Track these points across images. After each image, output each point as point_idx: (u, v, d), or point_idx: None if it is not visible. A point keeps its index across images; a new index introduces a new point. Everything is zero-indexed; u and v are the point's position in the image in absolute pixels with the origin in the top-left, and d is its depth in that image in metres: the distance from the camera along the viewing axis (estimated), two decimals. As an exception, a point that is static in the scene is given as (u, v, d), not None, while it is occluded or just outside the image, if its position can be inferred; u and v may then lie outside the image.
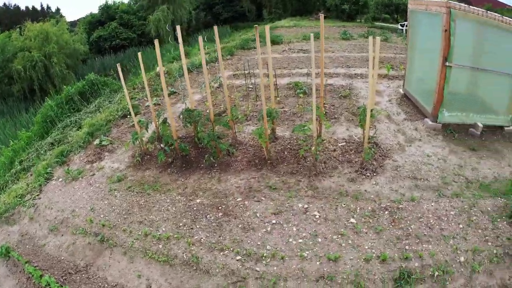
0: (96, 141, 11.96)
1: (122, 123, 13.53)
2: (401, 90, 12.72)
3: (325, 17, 30.16)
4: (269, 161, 9.21)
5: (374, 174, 8.41)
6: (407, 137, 9.86)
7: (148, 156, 10.42)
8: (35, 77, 31.89)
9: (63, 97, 17.43)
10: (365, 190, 7.92)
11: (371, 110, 8.10)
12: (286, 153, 9.52)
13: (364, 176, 8.37)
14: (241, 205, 7.88)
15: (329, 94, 13.21)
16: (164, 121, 10.31)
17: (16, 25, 38.32)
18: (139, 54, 10.62)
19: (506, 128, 9.90)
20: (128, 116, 13.69)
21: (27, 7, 64.86)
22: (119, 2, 50.39)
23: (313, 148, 8.56)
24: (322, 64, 9.58)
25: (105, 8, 48.28)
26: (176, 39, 39.63)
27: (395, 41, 24.08)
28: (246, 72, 15.44)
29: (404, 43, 21.86)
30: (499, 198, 7.43)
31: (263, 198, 8.00)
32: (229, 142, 10.32)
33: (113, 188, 9.40)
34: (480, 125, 9.68)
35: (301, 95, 13.29)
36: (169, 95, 12.83)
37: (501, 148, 9.30)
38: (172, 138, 9.69)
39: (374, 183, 8.13)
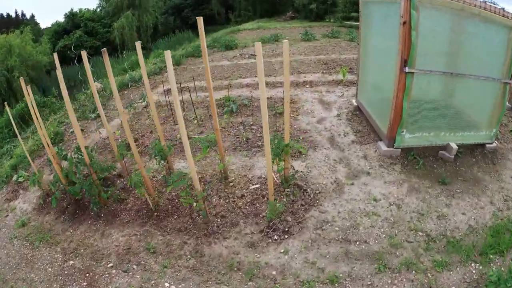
0: (15, 177, 10.27)
1: (45, 154, 11.17)
2: (354, 101, 10.01)
3: (293, 18, 27.31)
4: (155, 213, 6.91)
5: (286, 236, 5.88)
6: (351, 170, 7.22)
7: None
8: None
9: (3, 120, 16.36)
10: (266, 263, 5.58)
11: (286, 146, 5.43)
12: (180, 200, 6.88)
13: (270, 240, 5.82)
14: (107, 275, 6.10)
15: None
16: (65, 157, 8.38)
17: (-8, 32, 35.92)
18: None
19: (488, 145, 7.49)
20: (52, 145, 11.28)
21: (1, 15, 61.67)
22: (84, 9, 47.65)
23: (195, 204, 6.15)
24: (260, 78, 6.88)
25: (70, 16, 45.95)
26: (144, 47, 37.86)
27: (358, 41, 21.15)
28: (180, 86, 12.90)
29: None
30: (472, 264, 5.24)
31: (134, 267, 6.12)
32: (123, 183, 8.21)
33: (15, 235, 7.90)
34: (455, 146, 7.16)
35: (225, 115, 10.66)
36: (96, 117, 12.24)
37: (481, 175, 7.01)
38: (61, 179, 7.73)
39: (282, 250, 5.72)
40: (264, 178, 7.29)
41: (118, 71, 21.74)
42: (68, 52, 41.42)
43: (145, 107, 13.18)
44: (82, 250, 6.78)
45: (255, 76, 13.98)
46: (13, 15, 63.39)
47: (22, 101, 17.06)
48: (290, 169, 6.98)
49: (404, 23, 6.13)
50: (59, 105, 16.82)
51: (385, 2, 7.53)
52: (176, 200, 7.18)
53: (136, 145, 9.84)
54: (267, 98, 11.23)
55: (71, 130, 12.43)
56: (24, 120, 16.16)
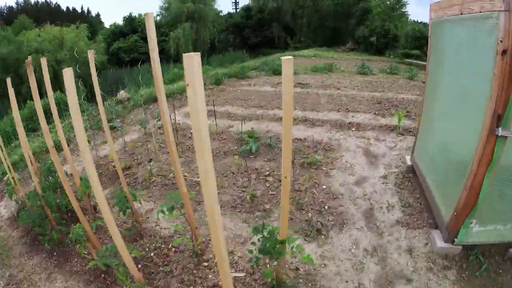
0: (5, 177, 9.23)
1: (41, 160, 9.80)
2: (408, 159, 7.45)
3: (352, 49, 24.80)
4: (103, 275, 5.18)
5: None
6: (386, 271, 4.76)
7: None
8: (43, 81, 28.64)
9: (25, 113, 15.90)
10: None
11: (282, 243, 3.32)
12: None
13: None
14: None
15: (292, 156, 8.33)
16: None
17: (54, 23, 37.65)
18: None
19: None
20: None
21: (67, 8, 62.47)
22: (144, 15, 46.33)
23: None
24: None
25: (128, 20, 45.93)
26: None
27: (422, 80, 18.27)
28: (214, 109, 10.72)
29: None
30: None
31: None
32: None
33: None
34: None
35: (237, 157, 8.50)
36: (112, 129, 11.40)
37: None
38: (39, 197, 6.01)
39: None
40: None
41: (164, 80, 20.45)
42: (122, 54, 41.69)
43: (159, 127, 11.43)
44: (25, 286, 5.44)
45: (296, 109, 11.81)
46: (79, 10, 64.19)
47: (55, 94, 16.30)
48: (288, 269, 4.73)
49: (504, 52, 3.43)
50: (84, 108, 15.20)
51: (468, 19, 4.46)
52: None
53: (126, 175, 8.35)
54: (300, 139, 9.15)
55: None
56: (50, 115, 14.80)
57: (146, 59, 24.51)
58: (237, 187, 7.23)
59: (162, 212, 4.27)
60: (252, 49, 44.97)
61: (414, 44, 30.00)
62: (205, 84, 16.97)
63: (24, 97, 29.21)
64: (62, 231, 5.87)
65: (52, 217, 5.99)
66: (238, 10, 54.77)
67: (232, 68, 20.55)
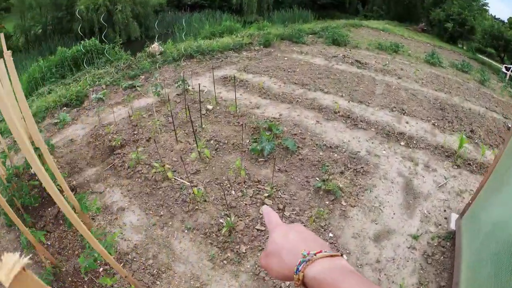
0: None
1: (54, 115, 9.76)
2: (453, 220, 5.45)
3: (424, 31, 20.84)
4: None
5: None
6: None
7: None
8: (96, 20, 30.15)
9: (55, 60, 14.86)
10: None
11: None
12: None
13: None
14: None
15: (310, 171, 6.61)
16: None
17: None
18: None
19: None
20: (65, 108, 10.09)
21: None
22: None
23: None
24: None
25: None
26: (260, 12, 37.92)
27: (493, 87, 15.68)
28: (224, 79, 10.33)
29: (504, 93, 14.35)
30: None
31: None
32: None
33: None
34: None
35: (237, 162, 6.51)
36: (128, 88, 10.84)
37: None
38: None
39: None
40: None
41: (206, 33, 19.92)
42: None
43: (179, 94, 9.98)
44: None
45: (342, 96, 9.85)
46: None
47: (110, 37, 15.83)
48: None
49: None
50: (118, 57, 14.60)
51: None
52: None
53: (116, 155, 7.31)
54: (330, 146, 7.50)
55: (97, 95, 10.36)
56: (77, 63, 14.77)
57: (209, 5, 23.73)
58: (223, 205, 5.67)
59: None
60: (321, 9, 41.26)
61: (490, 43, 27.39)
62: (251, 44, 15.14)
63: (75, 35, 29.93)
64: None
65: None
66: None
67: (288, 29, 18.27)
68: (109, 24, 30.49)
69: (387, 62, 14.28)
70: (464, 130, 8.70)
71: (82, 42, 15.53)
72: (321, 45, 16.48)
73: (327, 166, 6.55)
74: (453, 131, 8.63)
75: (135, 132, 7.95)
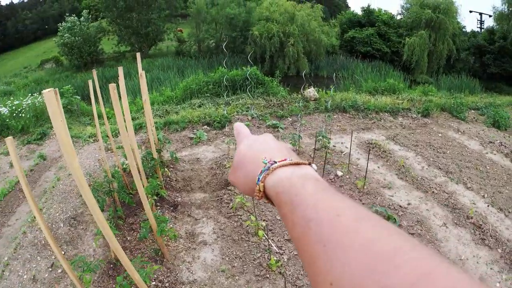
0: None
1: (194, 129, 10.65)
2: None
3: None
4: None
5: None
6: None
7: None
8: (268, 48, 32.86)
9: (215, 77, 16.50)
10: None
11: None
12: None
13: None
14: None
15: None
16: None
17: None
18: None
19: None
20: (205, 127, 11.07)
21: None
22: (383, 11, 44.79)
23: None
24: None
25: (367, 11, 43.71)
26: (432, 73, 37.42)
27: None
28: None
29: None
30: None
31: None
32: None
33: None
34: None
35: None
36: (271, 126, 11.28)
37: None
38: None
39: None
40: None
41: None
42: (357, 44, 40.69)
43: (317, 149, 9.96)
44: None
45: (483, 197, 9.02)
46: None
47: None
48: None
49: None
50: (275, 91, 15.88)
51: None
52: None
53: (228, 189, 7.61)
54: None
55: None
56: (234, 86, 16.38)
57: (380, 56, 23.82)
58: (294, 286, 5.37)
59: None
60: (489, 80, 38.97)
61: None
62: (409, 110, 14.58)
63: (247, 57, 32.60)
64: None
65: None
66: (482, 30, 48.16)
67: (450, 100, 17.20)
68: (280, 54, 33.24)
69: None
70: None
71: (246, 67, 16.42)
72: (481, 125, 15.14)
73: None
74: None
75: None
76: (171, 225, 6.23)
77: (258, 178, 0.84)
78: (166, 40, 40.20)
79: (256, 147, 0.96)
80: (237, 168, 0.97)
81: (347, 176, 8.72)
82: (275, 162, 0.84)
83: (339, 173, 8.77)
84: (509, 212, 8.56)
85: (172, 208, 6.86)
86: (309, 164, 0.85)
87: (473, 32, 48.08)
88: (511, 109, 19.42)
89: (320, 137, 9.99)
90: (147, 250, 5.61)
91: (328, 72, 28.15)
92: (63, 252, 5.39)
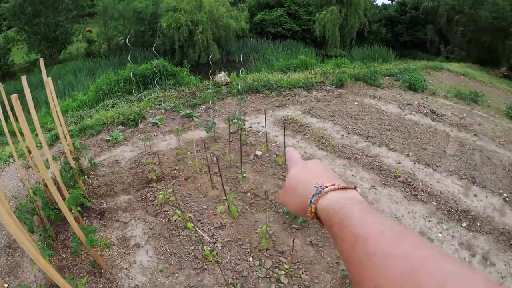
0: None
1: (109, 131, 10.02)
2: None
3: (506, 76, 17.35)
4: None
5: None
6: None
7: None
8: (177, 38, 31.79)
9: (125, 74, 15.63)
10: None
11: None
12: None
13: None
14: None
15: None
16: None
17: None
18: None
19: None
20: (120, 127, 10.34)
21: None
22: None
23: None
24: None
25: None
26: (345, 46, 37.98)
27: None
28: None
29: None
30: None
31: None
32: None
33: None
34: None
35: (261, 229, 5.60)
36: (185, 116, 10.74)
37: None
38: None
39: None
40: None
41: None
42: (267, 26, 40.66)
43: (233, 132, 9.54)
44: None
45: (408, 155, 8.91)
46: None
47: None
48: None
49: None
50: (187, 81, 15.15)
51: None
52: None
53: (151, 188, 7.21)
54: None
55: (153, 119, 10.36)
56: (145, 81, 15.37)
57: (291, 35, 23.60)
58: (233, 272, 5.20)
59: None
60: (402, 48, 41.09)
61: None
62: (323, 83, 14.34)
63: (157, 50, 31.16)
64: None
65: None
66: (393, 2, 50.28)
67: (363, 69, 17.21)
68: (190, 44, 32.42)
69: (465, 115, 12.98)
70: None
71: (154, 61, 15.69)
72: (397, 90, 15.32)
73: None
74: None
75: (176, 168, 7.67)
76: (102, 234, 5.99)
77: (310, 201, 0.94)
78: (76, 43, 38.37)
79: (306, 173, 1.06)
80: (289, 191, 1.07)
81: (267, 155, 8.40)
82: (326, 187, 0.93)
83: (258, 153, 8.47)
84: (437, 166, 8.62)
85: (99, 216, 6.58)
86: (354, 188, 0.94)
87: (384, 5, 50.15)
88: (426, 72, 19.96)
89: (235, 120, 9.53)
90: (84, 264, 5.36)
91: (239, 56, 28.11)
92: (6, 285, 5.22)
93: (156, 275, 5.12)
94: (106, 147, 9.15)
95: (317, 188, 0.93)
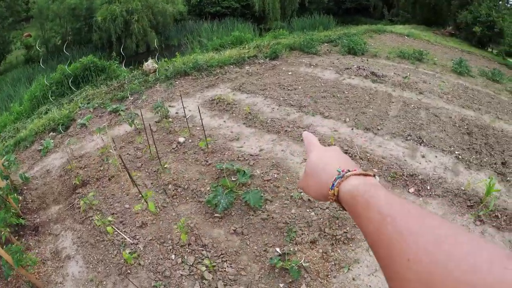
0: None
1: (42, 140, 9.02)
2: None
3: (452, 35, 17.85)
4: None
5: None
6: None
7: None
8: (113, 30, 30.04)
9: (56, 77, 14.25)
10: None
11: None
12: None
13: None
14: None
15: (273, 236, 5.17)
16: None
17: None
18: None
19: None
20: (52, 134, 9.42)
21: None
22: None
23: None
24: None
25: None
26: (284, 19, 36.68)
27: None
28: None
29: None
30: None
31: None
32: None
33: None
34: None
35: (182, 220, 5.14)
36: (113, 112, 9.82)
37: None
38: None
39: None
40: None
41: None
42: (205, 7, 39.14)
43: (157, 121, 8.77)
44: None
45: (345, 121, 8.15)
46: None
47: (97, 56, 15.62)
48: None
49: None
50: (118, 73, 14.00)
51: None
52: None
53: (77, 194, 6.65)
54: (312, 201, 5.56)
55: (81, 120, 9.34)
56: (77, 82, 14.05)
57: (230, 13, 22.31)
58: (156, 273, 4.76)
59: None
60: (345, 15, 40.68)
61: (522, 45, 25.04)
62: (256, 57, 13.43)
63: (95, 45, 31.04)
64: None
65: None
66: None
67: (299, 38, 16.30)
68: (127, 34, 31.05)
69: (408, 74, 12.25)
70: (495, 164, 6.84)
71: (83, 58, 14.62)
72: (336, 55, 14.50)
73: (295, 231, 4.92)
74: (481, 165, 6.81)
75: (101, 169, 7.03)
76: (37, 250, 5.64)
77: (333, 184, 0.95)
78: (15, 51, 36.50)
79: (326, 159, 1.07)
80: (310, 175, 1.08)
81: (190, 141, 7.63)
82: (349, 171, 0.96)
83: (181, 140, 7.70)
84: (378, 129, 7.95)
85: (34, 232, 6.23)
86: (374, 176, 0.97)
87: (326, -29, 49.23)
88: (368, 36, 19.37)
89: (158, 108, 8.81)
90: (23, 285, 5.05)
91: (178, 40, 27.04)
92: None
93: (87, 285, 4.84)
94: (39, 157, 8.48)
95: (339, 172, 0.95)
